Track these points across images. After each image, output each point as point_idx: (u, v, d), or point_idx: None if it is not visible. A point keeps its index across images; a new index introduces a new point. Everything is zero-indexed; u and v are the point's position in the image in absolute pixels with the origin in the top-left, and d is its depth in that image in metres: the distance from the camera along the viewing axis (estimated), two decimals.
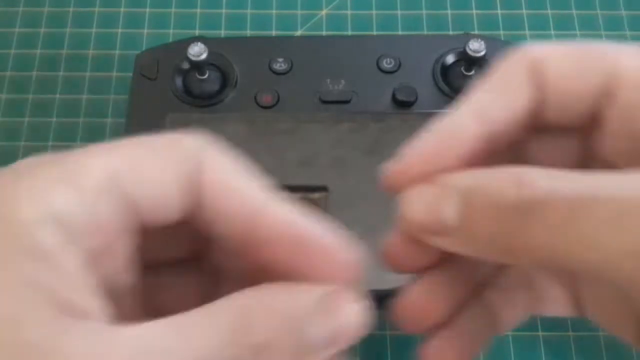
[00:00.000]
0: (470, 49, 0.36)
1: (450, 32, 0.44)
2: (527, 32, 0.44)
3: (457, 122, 0.21)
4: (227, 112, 0.37)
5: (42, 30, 0.44)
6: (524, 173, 0.17)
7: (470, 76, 0.38)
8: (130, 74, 0.39)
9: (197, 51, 0.36)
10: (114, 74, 0.42)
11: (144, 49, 0.42)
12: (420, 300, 0.22)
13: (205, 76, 0.38)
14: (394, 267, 0.22)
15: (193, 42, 0.36)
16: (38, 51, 0.43)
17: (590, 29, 0.44)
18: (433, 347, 0.21)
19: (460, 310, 0.21)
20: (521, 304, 0.22)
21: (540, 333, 0.36)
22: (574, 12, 0.45)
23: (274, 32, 0.44)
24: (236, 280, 0.20)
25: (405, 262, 0.22)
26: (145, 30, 0.44)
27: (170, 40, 0.43)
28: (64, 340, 0.15)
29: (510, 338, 0.36)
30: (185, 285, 0.21)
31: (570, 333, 0.36)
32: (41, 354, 0.15)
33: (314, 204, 0.35)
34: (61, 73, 0.42)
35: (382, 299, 0.34)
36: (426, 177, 0.20)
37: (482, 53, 0.36)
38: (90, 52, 0.43)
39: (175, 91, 0.38)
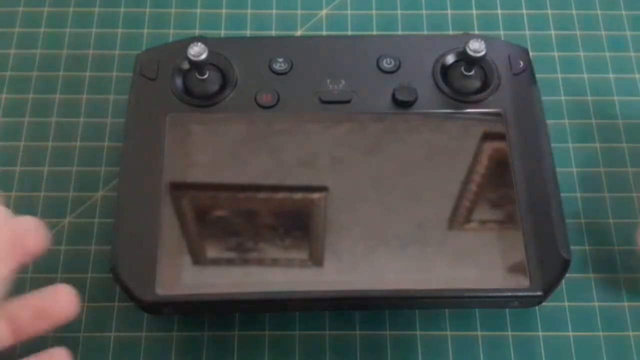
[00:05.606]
0: (470, 49, 0.36)
1: (450, 32, 0.44)
2: (527, 32, 0.44)
3: None
4: (227, 112, 0.37)
5: (42, 30, 0.44)
6: None
7: (470, 76, 0.38)
8: (130, 74, 0.39)
9: (197, 51, 0.36)
10: (114, 74, 0.42)
11: (144, 49, 0.42)
12: None
13: (205, 76, 0.38)
14: None
15: (193, 42, 0.36)
16: (38, 51, 0.43)
17: (590, 29, 0.44)
18: None
19: None
20: None
21: (540, 333, 0.36)
22: (574, 12, 0.45)
23: (274, 32, 0.44)
24: None
25: None
26: (145, 30, 0.44)
27: (170, 40, 0.43)
28: None
29: (510, 337, 0.36)
30: None
31: (570, 333, 0.36)
32: None
33: (314, 204, 0.35)
34: (61, 73, 0.42)
35: (380, 299, 0.34)
36: None
37: (482, 53, 0.36)
38: (90, 52, 0.43)
39: (175, 91, 0.38)
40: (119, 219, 0.35)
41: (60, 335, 0.36)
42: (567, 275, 0.34)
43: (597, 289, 0.37)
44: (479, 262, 0.34)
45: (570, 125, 0.41)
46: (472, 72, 0.38)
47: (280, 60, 0.38)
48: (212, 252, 0.34)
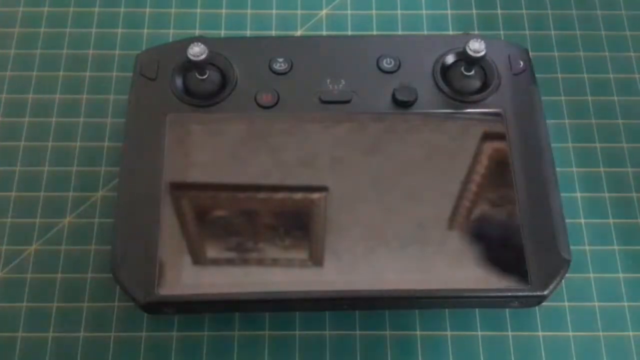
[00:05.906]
0: (470, 49, 0.36)
1: (450, 32, 0.44)
2: (527, 32, 0.44)
3: None
4: (227, 112, 0.37)
5: (42, 30, 0.44)
6: None
7: (470, 76, 0.38)
8: (130, 74, 0.39)
9: (197, 51, 0.36)
10: (114, 74, 0.42)
11: (144, 49, 0.42)
12: None
13: (205, 76, 0.38)
14: None
15: (193, 42, 0.36)
16: (38, 51, 0.43)
17: (590, 29, 0.44)
18: None
19: None
20: None
21: (540, 333, 0.36)
22: (574, 12, 0.45)
23: (274, 32, 0.44)
24: None
25: None
26: (145, 30, 0.44)
27: (170, 40, 0.43)
28: None
29: (510, 337, 0.36)
30: None
31: (570, 333, 0.36)
32: None
33: (314, 204, 0.35)
34: (61, 73, 0.42)
35: (380, 299, 0.34)
36: None
37: (482, 53, 0.36)
38: (90, 52, 0.43)
39: (175, 91, 0.38)
40: (119, 219, 0.35)
41: (61, 335, 0.36)
42: (567, 275, 0.34)
43: (597, 289, 0.37)
44: (479, 262, 0.34)
45: (570, 125, 0.41)
46: (472, 72, 0.38)
47: (280, 60, 0.38)
48: (212, 252, 0.34)
